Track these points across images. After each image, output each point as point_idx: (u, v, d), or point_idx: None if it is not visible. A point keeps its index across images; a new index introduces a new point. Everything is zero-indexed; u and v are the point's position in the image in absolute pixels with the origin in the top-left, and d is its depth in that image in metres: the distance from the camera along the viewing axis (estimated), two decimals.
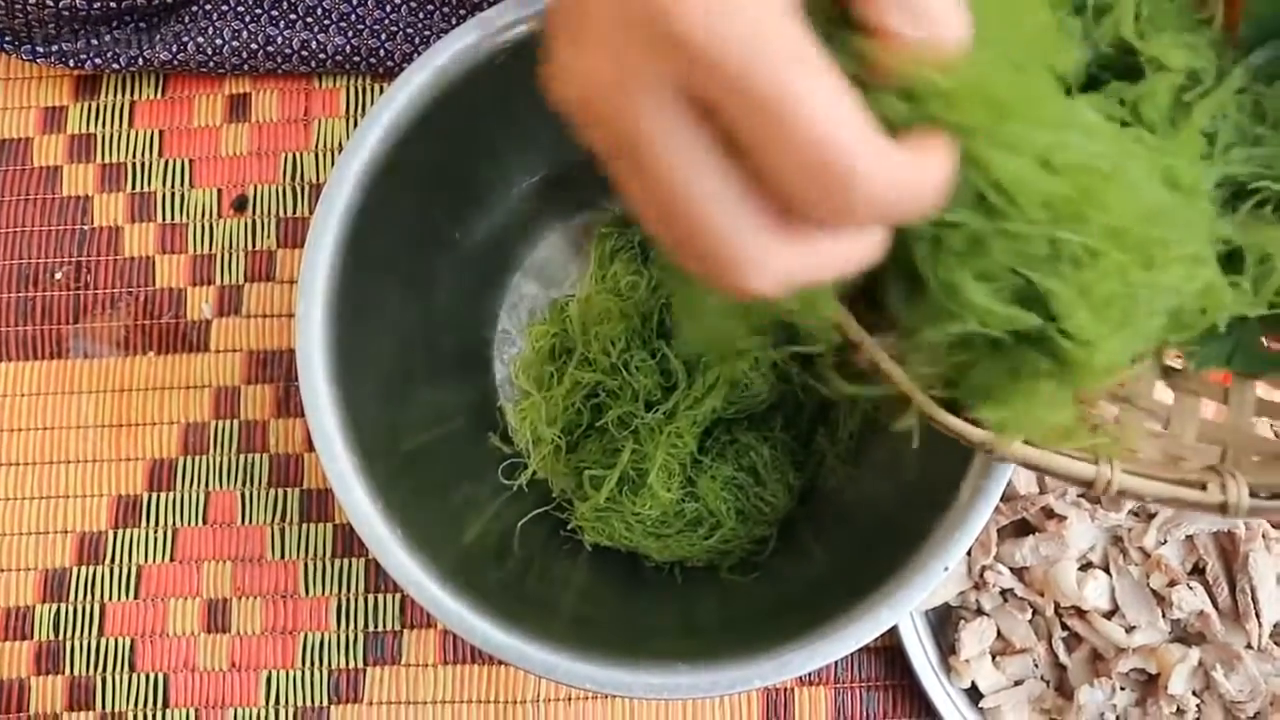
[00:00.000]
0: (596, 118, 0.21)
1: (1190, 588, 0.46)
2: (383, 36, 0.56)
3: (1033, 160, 0.22)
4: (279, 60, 0.56)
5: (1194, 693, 0.45)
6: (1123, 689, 0.46)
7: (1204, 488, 0.29)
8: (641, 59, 0.20)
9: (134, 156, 0.58)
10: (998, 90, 0.22)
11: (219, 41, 0.55)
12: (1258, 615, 0.45)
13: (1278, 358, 0.33)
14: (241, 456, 0.54)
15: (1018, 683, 0.48)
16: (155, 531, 0.53)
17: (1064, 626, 0.48)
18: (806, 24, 0.20)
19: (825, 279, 0.22)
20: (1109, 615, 0.47)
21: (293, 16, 0.56)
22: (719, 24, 0.19)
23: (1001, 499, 0.44)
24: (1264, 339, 0.33)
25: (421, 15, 0.56)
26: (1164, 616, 0.46)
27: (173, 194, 0.57)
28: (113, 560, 0.53)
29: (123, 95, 0.58)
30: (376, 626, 0.52)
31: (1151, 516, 0.47)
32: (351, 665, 0.52)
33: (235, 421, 0.54)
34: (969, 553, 0.48)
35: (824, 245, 0.21)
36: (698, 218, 0.21)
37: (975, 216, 0.23)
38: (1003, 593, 0.49)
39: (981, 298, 0.24)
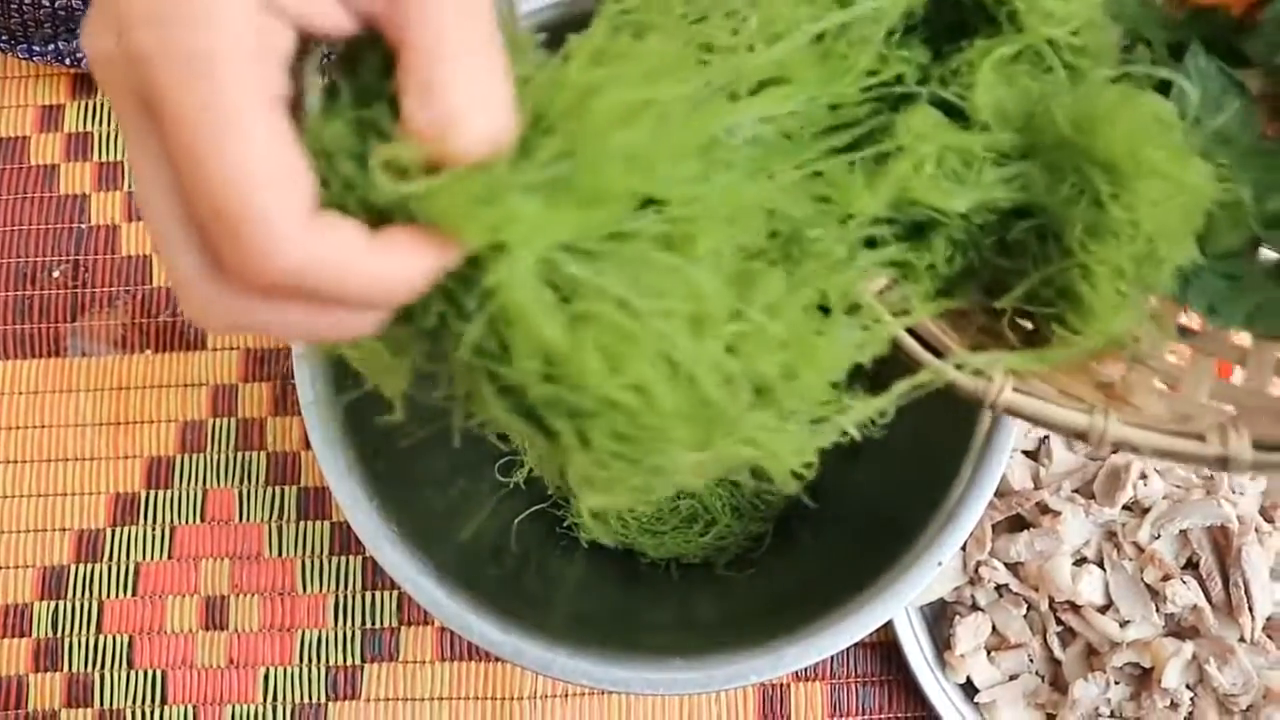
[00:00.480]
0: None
1: (1184, 582, 0.46)
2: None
3: (541, 298, 0.19)
4: None
5: (1188, 686, 0.45)
6: (1117, 683, 0.46)
7: (1202, 439, 0.27)
8: (110, 37, 0.17)
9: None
10: (494, 206, 0.18)
11: None
12: (1251, 609, 0.45)
13: None
14: (239, 454, 0.54)
15: (1013, 677, 0.49)
16: (153, 529, 0.54)
17: (1058, 621, 0.48)
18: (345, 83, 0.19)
19: (294, 338, 0.20)
20: (1103, 610, 0.47)
21: None
22: (161, 28, 0.16)
23: (996, 495, 0.45)
24: None
25: None
26: (1158, 611, 0.46)
27: None
28: (111, 558, 0.53)
29: None
30: (374, 623, 0.52)
31: (1146, 511, 0.47)
32: (349, 662, 0.52)
33: (233, 419, 0.55)
34: (964, 548, 0.49)
35: (277, 305, 0.19)
36: (153, 232, 0.19)
37: (482, 333, 0.20)
38: (998, 588, 0.49)
39: (493, 407, 0.22)
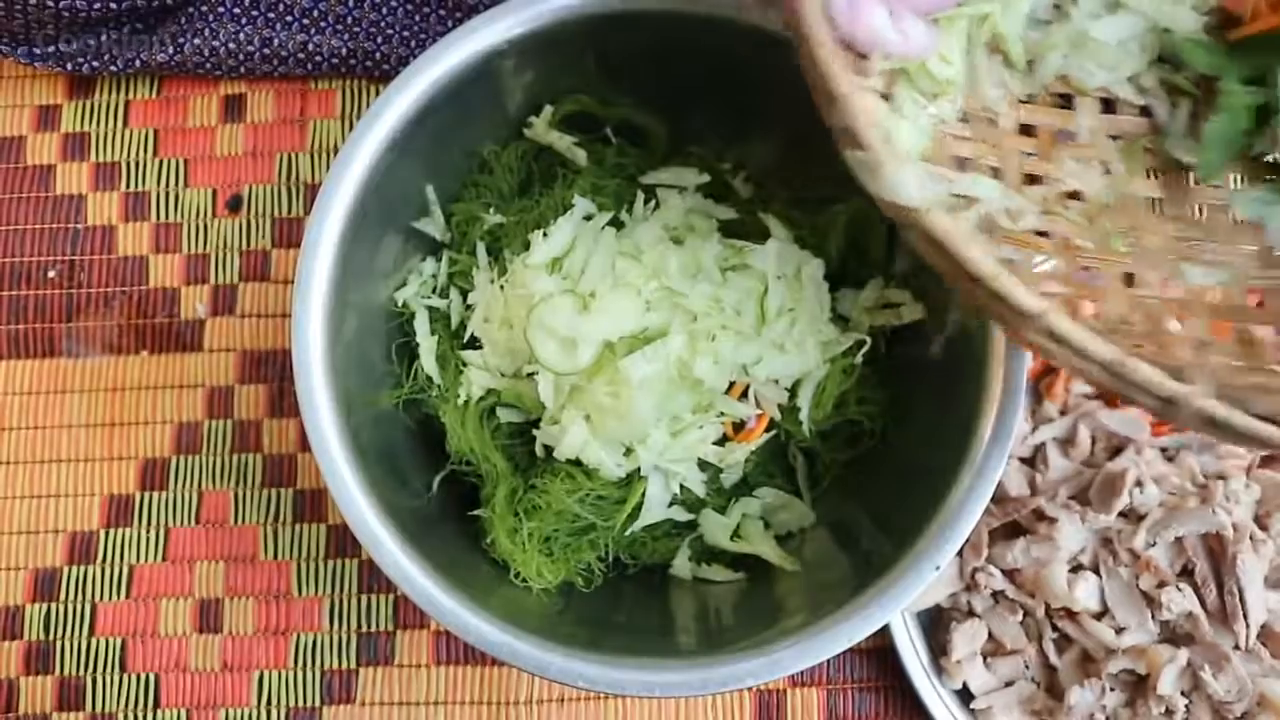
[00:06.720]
0: None
1: (1179, 589, 0.46)
2: (379, 39, 0.56)
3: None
4: (275, 63, 0.56)
5: (1183, 693, 0.46)
6: (1112, 690, 0.46)
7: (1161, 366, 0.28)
8: None
9: (129, 156, 0.58)
10: None
11: (215, 43, 0.55)
12: (1245, 616, 0.45)
13: None
14: (235, 456, 0.54)
15: (1008, 684, 0.49)
16: (147, 531, 0.53)
17: (1054, 628, 0.48)
18: None
19: None
20: (1099, 616, 0.47)
21: (289, 18, 0.56)
22: None
23: (993, 501, 0.45)
24: None
25: (417, 18, 0.56)
26: (1153, 618, 0.46)
27: (167, 193, 0.57)
28: (104, 560, 0.53)
29: (118, 94, 0.58)
30: (369, 627, 0.52)
31: (1141, 518, 0.47)
32: (344, 666, 0.52)
33: (228, 421, 0.54)
34: (960, 554, 0.49)
35: None
36: None
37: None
38: (994, 594, 0.49)
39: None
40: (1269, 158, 0.39)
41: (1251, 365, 0.33)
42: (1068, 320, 0.29)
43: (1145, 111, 0.40)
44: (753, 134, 0.48)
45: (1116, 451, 0.49)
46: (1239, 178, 0.39)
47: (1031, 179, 0.37)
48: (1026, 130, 0.39)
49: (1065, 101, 0.40)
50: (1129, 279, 0.37)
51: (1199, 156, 0.38)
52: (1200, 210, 0.39)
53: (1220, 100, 0.37)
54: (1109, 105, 0.40)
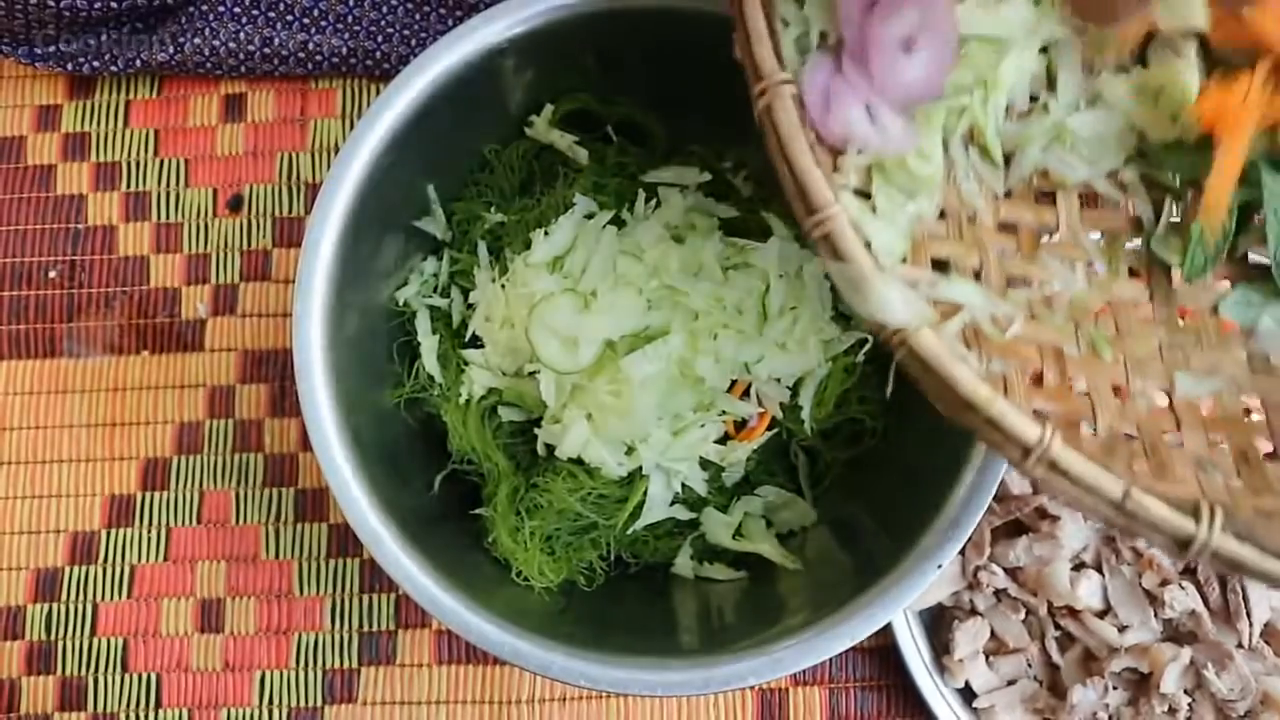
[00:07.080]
0: None
1: (1182, 587, 0.46)
2: (379, 38, 0.56)
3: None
4: (276, 62, 0.56)
5: (1186, 691, 0.45)
6: (1115, 688, 0.46)
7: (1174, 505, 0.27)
8: None
9: (129, 155, 0.58)
10: None
11: (216, 43, 0.55)
12: (1248, 615, 0.45)
13: None
14: (236, 456, 0.54)
15: (1011, 682, 0.49)
16: (149, 531, 0.53)
17: (1057, 626, 0.48)
18: None
19: None
20: (1102, 615, 0.47)
21: (289, 18, 0.56)
22: None
23: (995, 499, 0.45)
24: None
25: (417, 17, 0.56)
26: (1156, 616, 0.46)
27: (168, 193, 0.57)
28: (106, 560, 0.53)
29: (118, 94, 0.58)
30: (371, 626, 0.52)
31: None
32: (346, 665, 0.52)
33: (230, 421, 0.54)
34: (963, 553, 0.49)
35: None
36: None
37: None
38: (996, 593, 0.49)
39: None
40: (1254, 258, 0.37)
41: (1253, 486, 0.32)
42: (1070, 451, 0.27)
43: (1127, 207, 0.38)
44: (753, 132, 0.48)
45: None
46: (1226, 278, 0.37)
47: (1014, 281, 0.36)
48: (1007, 228, 0.37)
49: (1046, 198, 0.38)
50: (1120, 389, 0.35)
51: (1183, 256, 0.36)
52: (1188, 313, 0.37)
53: (1204, 198, 0.35)
54: (1090, 201, 0.38)
